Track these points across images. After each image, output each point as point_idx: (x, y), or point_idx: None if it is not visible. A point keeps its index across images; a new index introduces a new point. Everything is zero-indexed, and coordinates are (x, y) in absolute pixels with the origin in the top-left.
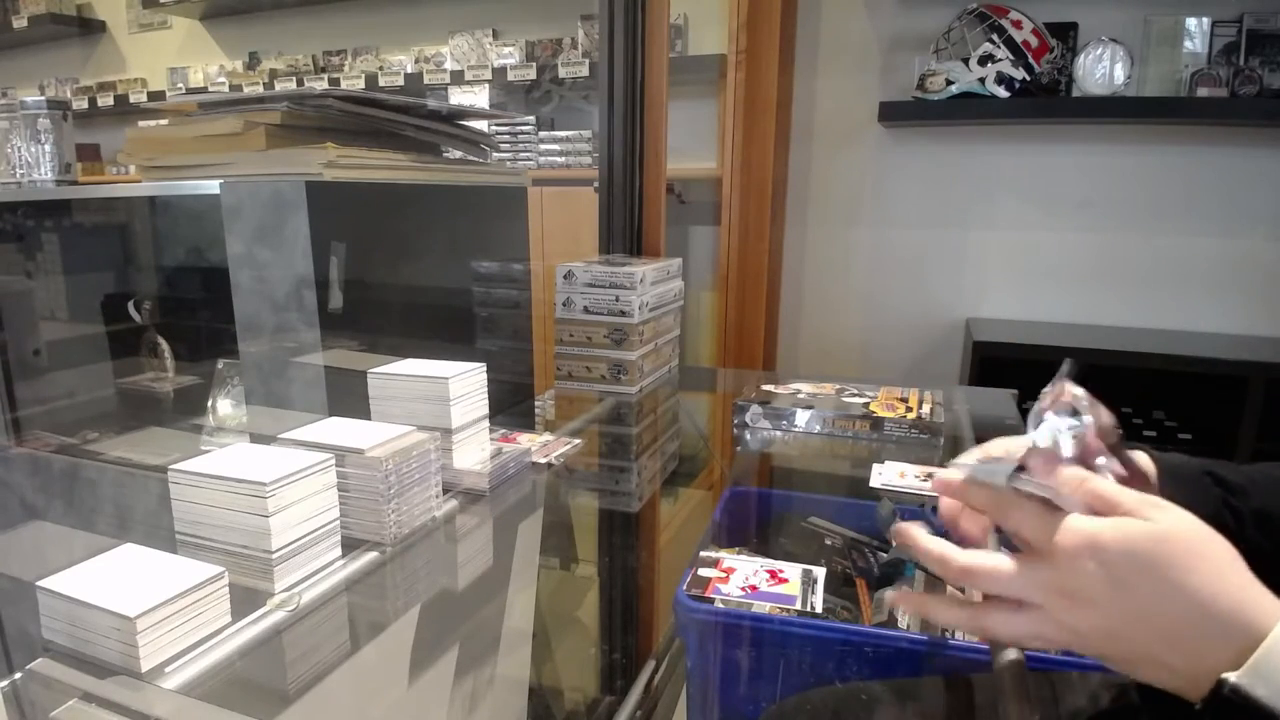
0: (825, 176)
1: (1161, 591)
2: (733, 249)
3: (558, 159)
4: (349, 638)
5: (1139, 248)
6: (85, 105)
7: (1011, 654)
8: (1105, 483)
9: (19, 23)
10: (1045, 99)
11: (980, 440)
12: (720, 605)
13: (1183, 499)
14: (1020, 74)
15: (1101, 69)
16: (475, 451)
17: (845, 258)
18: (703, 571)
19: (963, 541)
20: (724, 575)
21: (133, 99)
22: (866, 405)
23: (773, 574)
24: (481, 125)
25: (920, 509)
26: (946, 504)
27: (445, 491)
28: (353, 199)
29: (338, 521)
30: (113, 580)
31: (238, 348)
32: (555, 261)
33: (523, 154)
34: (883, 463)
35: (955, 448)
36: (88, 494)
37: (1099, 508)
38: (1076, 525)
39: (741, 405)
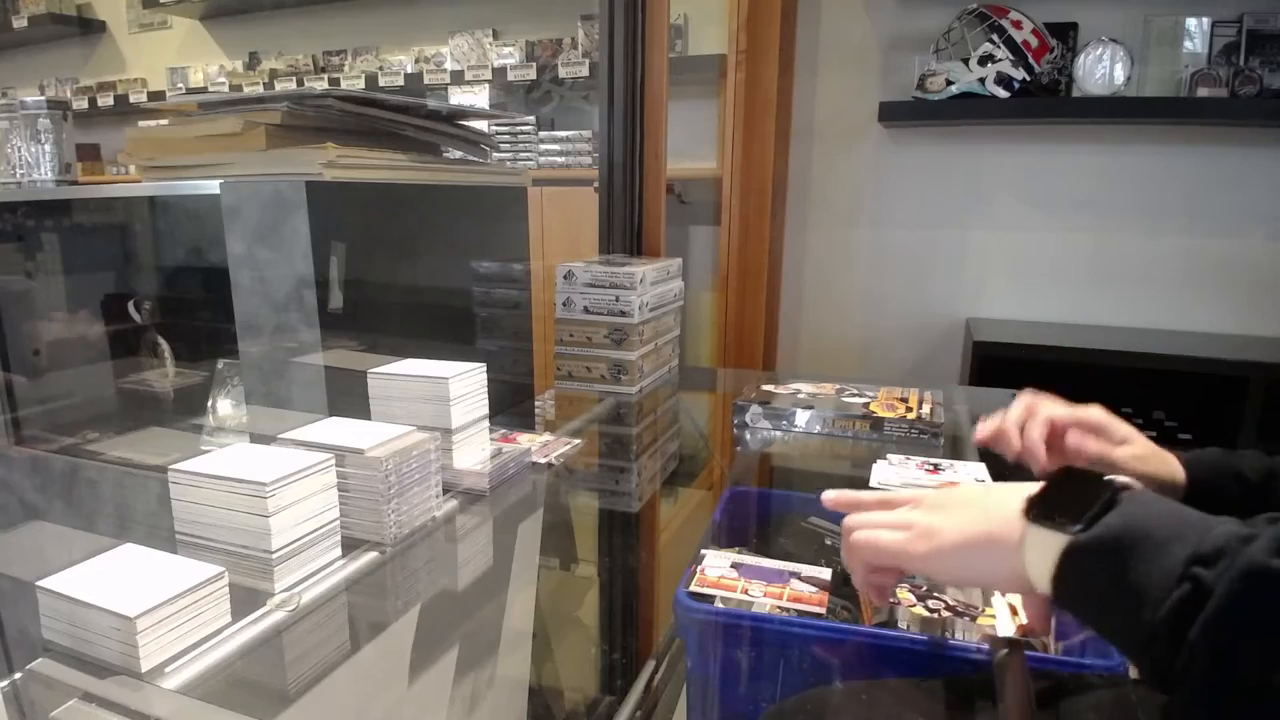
0: (825, 176)
1: (963, 506)
2: (733, 249)
3: (558, 159)
4: (349, 638)
5: (1139, 248)
6: (85, 105)
7: (1011, 652)
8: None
9: (19, 23)
10: (1045, 99)
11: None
12: (720, 605)
13: (1208, 506)
14: (1020, 74)
15: (1101, 69)
16: (475, 451)
17: (845, 258)
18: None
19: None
20: None
21: (133, 99)
22: (866, 405)
23: None
24: (481, 125)
25: None
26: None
27: (445, 491)
28: (353, 199)
29: (338, 521)
30: (113, 580)
31: (238, 348)
32: (555, 261)
33: (523, 154)
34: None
35: (955, 448)
36: (88, 494)
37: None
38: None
39: (741, 405)
